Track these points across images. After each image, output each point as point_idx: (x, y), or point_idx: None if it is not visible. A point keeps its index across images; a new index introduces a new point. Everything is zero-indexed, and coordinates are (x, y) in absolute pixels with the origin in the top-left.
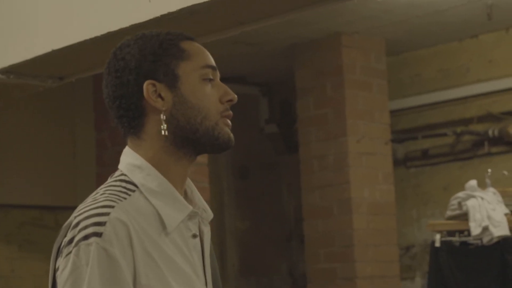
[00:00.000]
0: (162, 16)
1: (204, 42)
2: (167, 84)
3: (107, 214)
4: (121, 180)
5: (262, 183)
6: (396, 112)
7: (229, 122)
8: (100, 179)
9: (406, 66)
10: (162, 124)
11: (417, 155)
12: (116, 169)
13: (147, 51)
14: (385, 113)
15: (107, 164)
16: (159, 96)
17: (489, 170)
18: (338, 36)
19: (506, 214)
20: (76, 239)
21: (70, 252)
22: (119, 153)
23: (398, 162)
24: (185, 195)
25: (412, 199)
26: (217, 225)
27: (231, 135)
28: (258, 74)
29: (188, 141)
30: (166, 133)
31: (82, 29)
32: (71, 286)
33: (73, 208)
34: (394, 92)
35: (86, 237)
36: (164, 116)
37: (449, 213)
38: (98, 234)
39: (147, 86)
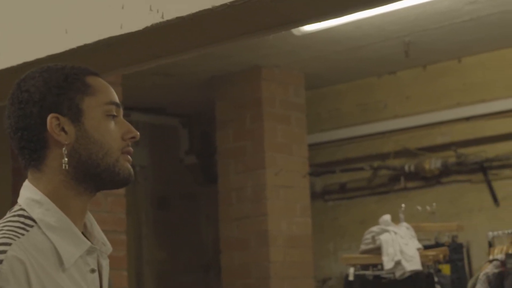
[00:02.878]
0: (79, 47)
1: (122, 74)
2: (70, 118)
3: (4, 252)
4: (19, 215)
5: (181, 214)
6: (314, 146)
7: (130, 158)
8: None
9: (324, 100)
10: (63, 158)
11: (334, 189)
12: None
13: (51, 84)
14: (303, 146)
15: None
16: (63, 129)
17: (403, 205)
18: (257, 69)
19: (418, 249)
20: None
21: None
22: None
23: (316, 195)
24: (85, 228)
25: (329, 232)
26: (135, 255)
27: (132, 170)
28: (178, 105)
29: (89, 176)
30: (67, 167)
31: None
32: None
33: None
34: (312, 126)
35: None
36: (66, 150)
37: (363, 247)
38: None
39: (50, 119)
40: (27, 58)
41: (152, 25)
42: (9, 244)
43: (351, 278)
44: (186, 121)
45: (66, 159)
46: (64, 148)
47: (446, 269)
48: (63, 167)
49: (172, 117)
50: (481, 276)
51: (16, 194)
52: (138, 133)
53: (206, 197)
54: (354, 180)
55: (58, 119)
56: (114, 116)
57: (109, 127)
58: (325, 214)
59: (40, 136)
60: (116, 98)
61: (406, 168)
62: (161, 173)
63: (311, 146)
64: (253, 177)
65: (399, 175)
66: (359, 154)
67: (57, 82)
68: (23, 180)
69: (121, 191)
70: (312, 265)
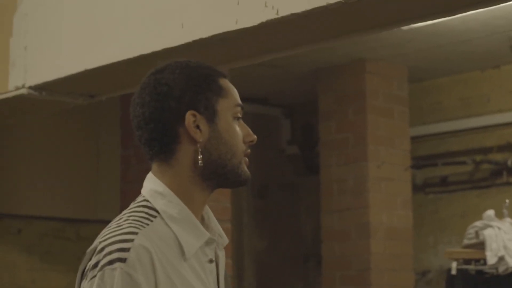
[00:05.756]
0: (194, 41)
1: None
2: (206, 118)
3: (131, 240)
4: (143, 206)
5: (281, 203)
6: (416, 139)
7: (248, 161)
8: (124, 195)
9: (427, 93)
10: (198, 155)
11: (435, 182)
12: (140, 185)
13: (192, 82)
14: (406, 139)
15: (131, 181)
16: (197, 127)
17: (507, 201)
18: (361, 62)
19: None
20: (101, 263)
21: (95, 276)
22: (143, 171)
23: (417, 188)
24: (202, 221)
25: (429, 225)
26: (236, 244)
27: (249, 174)
28: (281, 96)
29: (215, 174)
30: (201, 163)
31: (115, 50)
32: None
33: (94, 221)
34: (414, 119)
35: (111, 262)
36: (200, 148)
37: (466, 241)
38: (123, 260)
39: (189, 115)
40: (143, 51)
41: (267, 21)
42: (136, 233)
43: (453, 272)
44: (288, 111)
45: (200, 155)
46: (198, 145)
47: None
48: (199, 164)
49: (274, 107)
50: None
51: (124, 181)
52: (256, 137)
53: (306, 187)
54: (455, 173)
55: (195, 116)
56: (238, 118)
57: (237, 130)
58: (425, 207)
59: (173, 130)
60: (240, 100)
61: (509, 162)
62: (263, 162)
63: (413, 139)
64: (355, 169)
65: (502, 169)
66: (461, 147)
67: (198, 81)
68: (132, 169)
69: None
70: (412, 258)
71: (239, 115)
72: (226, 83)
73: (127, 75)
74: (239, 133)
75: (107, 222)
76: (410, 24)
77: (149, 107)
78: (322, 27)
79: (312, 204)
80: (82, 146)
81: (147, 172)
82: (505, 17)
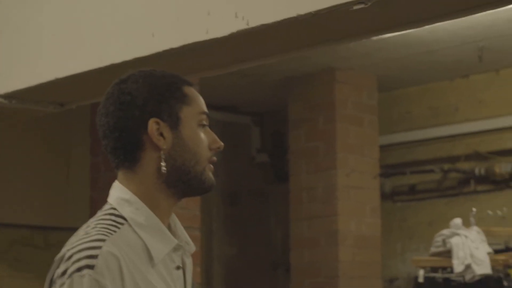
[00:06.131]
0: (165, 51)
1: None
2: (169, 125)
3: (99, 247)
4: (110, 214)
5: (251, 211)
6: (385, 147)
7: (213, 168)
8: (94, 203)
9: (396, 102)
10: (161, 162)
11: (404, 190)
12: (108, 193)
13: (155, 91)
14: (375, 148)
15: (101, 188)
16: (161, 134)
17: (474, 209)
18: (332, 71)
19: (488, 253)
20: (69, 271)
21: (63, 283)
22: (112, 178)
23: (385, 196)
24: (169, 228)
25: (397, 233)
26: (205, 251)
27: (214, 180)
28: (251, 104)
29: (179, 181)
30: (165, 170)
31: (86, 60)
32: None
33: (63, 228)
34: (384, 128)
35: (79, 269)
36: (163, 155)
37: (433, 249)
38: (91, 267)
39: (152, 123)
40: (114, 60)
41: (237, 32)
42: (104, 240)
43: (420, 280)
44: (258, 119)
45: (164, 163)
46: (161, 152)
47: None
48: (162, 171)
49: (244, 115)
50: None
51: (94, 189)
52: (223, 144)
53: (276, 195)
54: (423, 182)
55: (158, 124)
56: (204, 125)
57: (201, 137)
58: (393, 215)
59: (137, 139)
60: (206, 108)
61: (476, 171)
62: (233, 170)
63: (382, 148)
64: (324, 177)
65: (469, 178)
66: (429, 156)
67: (161, 89)
68: (101, 176)
69: None
70: (380, 265)
71: (205, 123)
72: (191, 91)
73: (98, 84)
74: (204, 140)
75: (76, 229)
76: (380, 35)
77: (113, 117)
78: (293, 38)
79: (281, 212)
80: (52, 153)
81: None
82: (474, 28)
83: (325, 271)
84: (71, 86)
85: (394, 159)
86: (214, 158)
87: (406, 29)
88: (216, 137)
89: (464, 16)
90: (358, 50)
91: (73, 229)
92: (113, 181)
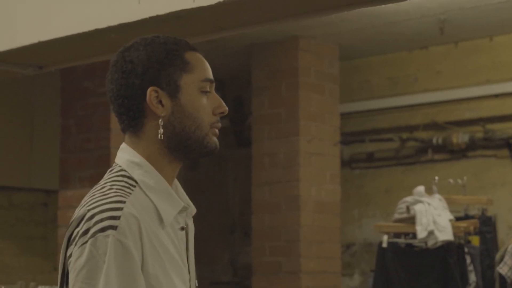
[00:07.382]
0: (150, 18)
1: None
2: (168, 93)
3: (120, 209)
4: (122, 176)
5: (210, 175)
6: (345, 115)
7: (217, 132)
8: (64, 164)
9: (357, 72)
10: (159, 129)
11: (362, 158)
12: (80, 155)
13: (154, 59)
14: (335, 116)
15: (71, 150)
16: (160, 102)
17: (436, 177)
18: (295, 39)
19: (450, 220)
20: (92, 230)
21: (85, 242)
22: (83, 141)
23: (344, 163)
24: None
25: (354, 200)
26: None
27: (217, 143)
28: (213, 69)
29: (180, 146)
30: (162, 137)
31: (70, 24)
32: (87, 273)
33: (27, 189)
34: (344, 96)
35: (103, 229)
36: (162, 122)
37: (396, 215)
38: (114, 227)
39: (150, 92)
40: (98, 25)
41: (224, 1)
42: (124, 202)
43: (384, 245)
44: (219, 85)
45: (161, 130)
46: (160, 120)
47: (475, 240)
48: (159, 137)
49: None
50: (510, 248)
51: (64, 151)
52: (227, 108)
53: (236, 160)
54: (381, 150)
55: (157, 92)
56: (207, 92)
57: (202, 103)
58: (351, 182)
59: (139, 106)
60: (211, 75)
61: (434, 140)
62: None
63: (342, 116)
64: (286, 143)
65: (427, 147)
66: (388, 125)
67: (159, 57)
68: (72, 138)
69: None
70: (339, 230)
71: (208, 90)
72: (194, 57)
73: (80, 48)
74: (205, 106)
75: (41, 190)
76: (344, 10)
77: (116, 84)
78: (272, 8)
79: (240, 177)
80: (16, 116)
81: (87, 142)
82: (436, 1)
83: (285, 235)
84: (53, 49)
85: (354, 127)
86: (219, 124)
87: (371, 5)
88: (221, 102)
89: None
90: (321, 19)
91: (38, 190)
92: (83, 143)
